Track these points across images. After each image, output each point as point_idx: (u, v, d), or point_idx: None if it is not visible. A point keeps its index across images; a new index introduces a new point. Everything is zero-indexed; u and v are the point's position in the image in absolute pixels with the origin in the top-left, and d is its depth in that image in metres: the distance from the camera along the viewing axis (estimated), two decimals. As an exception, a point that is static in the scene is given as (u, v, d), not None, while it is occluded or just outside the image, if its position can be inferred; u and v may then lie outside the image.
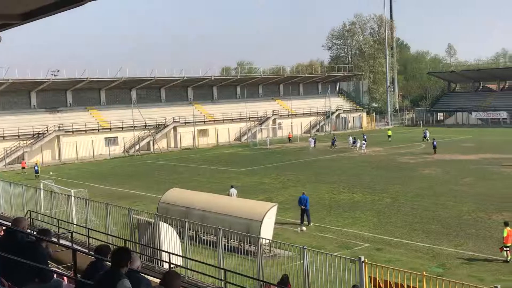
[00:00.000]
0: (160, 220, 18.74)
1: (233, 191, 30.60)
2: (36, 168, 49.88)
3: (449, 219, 26.52)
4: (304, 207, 26.75)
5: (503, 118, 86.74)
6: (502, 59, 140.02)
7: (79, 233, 19.16)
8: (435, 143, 54.41)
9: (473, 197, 31.48)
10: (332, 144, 62.50)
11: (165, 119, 72.59)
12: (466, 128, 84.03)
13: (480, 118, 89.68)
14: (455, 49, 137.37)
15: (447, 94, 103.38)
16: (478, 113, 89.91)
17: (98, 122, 68.87)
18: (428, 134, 64.90)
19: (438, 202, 30.54)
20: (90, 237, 17.75)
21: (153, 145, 69.68)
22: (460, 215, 27.32)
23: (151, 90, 77.92)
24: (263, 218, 21.71)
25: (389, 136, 68.99)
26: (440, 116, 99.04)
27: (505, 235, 20.13)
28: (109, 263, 6.42)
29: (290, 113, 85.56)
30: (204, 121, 76.92)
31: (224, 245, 16.67)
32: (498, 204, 29.22)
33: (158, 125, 71.97)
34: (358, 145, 58.85)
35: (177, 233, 18.74)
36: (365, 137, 61.62)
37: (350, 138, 64.38)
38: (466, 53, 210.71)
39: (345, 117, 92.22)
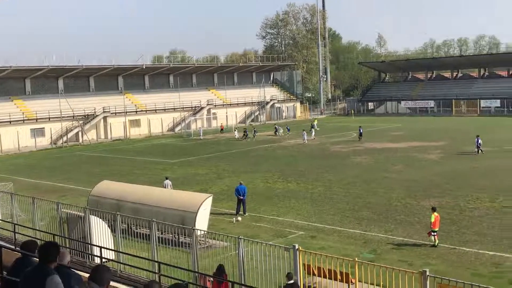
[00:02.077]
0: (90, 214, 18.34)
1: (168, 182, 30.33)
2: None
3: (380, 206, 27.43)
4: (241, 197, 26.89)
5: (431, 107, 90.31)
6: (430, 50, 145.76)
7: (5, 229, 18.44)
8: (361, 131, 56.33)
9: (402, 184, 32.69)
10: (253, 134, 63.39)
11: (95, 109, 70.79)
12: (395, 117, 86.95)
13: (409, 107, 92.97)
14: (385, 40, 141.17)
15: (377, 83, 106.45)
16: (407, 102, 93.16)
17: (23, 113, 66.22)
18: (316, 124, 66.63)
19: (369, 190, 31.50)
20: (17, 232, 17.11)
21: (82, 136, 67.89)
22: (390, 201, 28.31)
23: (80, 79, 75.69)
24: (198, 209, 21.65)
25: (315, 125, 69.93)
26: (370, 105, 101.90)
27: (432, 220, 21.01)
28: (37, 259, 6.23)
29: (224, 103, 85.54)
30: (136, 111, 75.66)
31: (158, 237, 16.53)
32: (426, 191, 30.49)
33: (87, 115, 70.11)
34: (281, 131, 64.23)
35: (109, 227, 18.41)
36: (313, 127, 64.31)
37: (280, 128, 66.82)
38: (395, 43, 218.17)
39: (279, 107, 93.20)
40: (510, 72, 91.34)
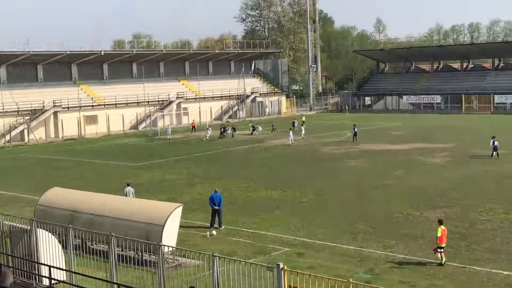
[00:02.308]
0: (38, 227, 18.16)
1: (129, 190, 30.16)
2: None
3: (378, 218, 27.56)
4: (216, 207, 26.82)
5: (437, 103, 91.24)
6: (436, 36, 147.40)
7: None
8: (355, 130, 56.81)
9: (404, 192, 32.89)
10: (222, 132, 63.66)
11: (43, 103, 70.16)
12: (396, 114, 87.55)
13: (411, 103, 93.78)
14: (384, 24, 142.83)
15: (375, 75, 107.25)
16: (410, 97, 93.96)
17: (-43, 107, 65.44)
18: (296, 123, 67.31)
19: (366, 199, 31.63)
20: None
21: (28, 135, 67.19)
22: (390, 212, 28.46)
23: (26, 68, 74.92)
24: (165, 222, 21.55)
25: (303, 122, 70.57)
26: (367, 100, 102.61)
27: (439, 234, 21.12)
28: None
29: (197, 97, 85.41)
30: (93, 106, 75.13)
31: (118, 255, 16.41)
32: (431, 200, 30.73)
33: (34, 110, 69.44)
34: (260, 130, 65.82)
35: (59, 242, 18.23)
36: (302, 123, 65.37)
37: (258, 126, 67.64)
38: (396, 29, 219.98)
39: (261, 101, 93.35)
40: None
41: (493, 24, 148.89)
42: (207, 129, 65.11)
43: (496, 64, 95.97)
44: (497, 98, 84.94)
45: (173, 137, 66.32)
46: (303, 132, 60.21)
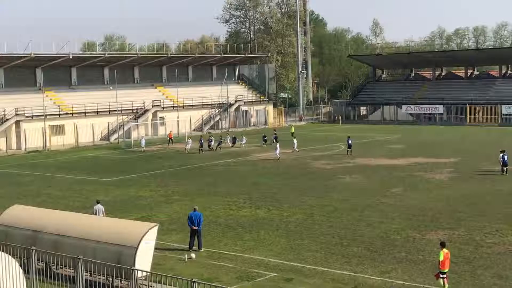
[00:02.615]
0: (-4, 249, 17.96)
1: (99, 207, 30.00)
2: None
3: (375, 240, 27.57)
4: (196, 227, 26.73)
5: (439, 114, 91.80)
6: (438, 40, 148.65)
7: None
8: (350, 142, 57.14)
9: (403, 212, 32.95)
10: (218, 145, 63.96)
11: (4, 111, 69.81)
12: (394, 126, 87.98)
13: (411, 113, 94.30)
14: (381, 27, 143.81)
15: (371, 82, 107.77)
16: (409, 107, 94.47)
17: None
18: (267, 138, 67.57)
19: (361, 219, 31.67)
20: None
21: (-12, 146, 66.78)
22: (387, 234, 28.49)
23: (-15, 72, 74.66)
24: (138, 244, 21.42)
25: (293, 133, 71.08)
26: (363, 110, 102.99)
27: (441, 258, 21.14)
28: None
29: (175, 105, 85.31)
30: (59, 114, 74.81)
31: (86, 280, 16.27)
32: (433, 220, 30.81)
33: (-5, 119, 69.11)
34: (244, 141, 65.59)
35: (21, 266, 18.05)
36: (273, 136, 65.43)
37: (244, 138, 67.00)
38: (395, 32, 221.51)
39: (246, 110, 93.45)
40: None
41: (500, 28, 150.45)
42: (187, 140, 64.88)
43: (503, 72, 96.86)
44: (505, 109, 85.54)
45: (149, 149, 66.10)
46: (295, 144, 60.12)
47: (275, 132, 69.47)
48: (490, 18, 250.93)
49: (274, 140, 63.59)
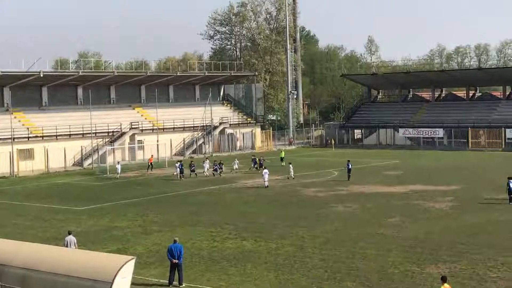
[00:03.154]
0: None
1: (71, 239, 29.84)
2: None
3: (370, 274, 27.52)
4: (176, 261, 26.61)
5: (439, 138, 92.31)
6: (438, 59, 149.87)
7: None
8: (349, 166, 57.91)
9: (401, 244, 32.94)
10: (212, 171, 64.15)
11: (-31, 134, 69.55)
12: (391, 150, 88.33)
13: (409, 137, 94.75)
14: (377, 44, 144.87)
15: (366, 104, 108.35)
16: (407, 130, 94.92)
17: None
18: (257, 161, 67.72)
19: (356, 251, 31.62)
20: None
21: (-50, 172, 66.42)
22: (384, 268, 28.45)
23: None
24: (114, 278, 21.28)
25: (282, 159, 71.33)
26: (357, 133, 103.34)
27: (442, 294, 21.18)
28: None
29: (155, 127, 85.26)
30: (28, 137, 74.59)
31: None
32: (433, 253, 30.80)
33: (-42, 142, 68.83)
34: (236, 166, 66.47)
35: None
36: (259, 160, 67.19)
37: (207, 163, 66.48)
38: (391, 50, 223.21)
39: (232, 133, 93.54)
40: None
41: (503, 46, 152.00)
42: (177, 163, 64.47)
43: (508, 93, 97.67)
44: (509, 133, 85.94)
45: (126, 175, 65.93)
46: (291, 171, 59.73)
47: (259, 158, 69.58)
48: (493, 35, 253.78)
49: (256, 165, 64.46)
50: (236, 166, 67.02)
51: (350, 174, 57.81)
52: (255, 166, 66.61)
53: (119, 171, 65.76)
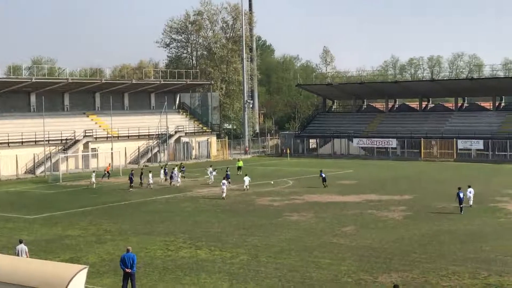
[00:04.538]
0: None
1: (22, 248, 29.42)
2: None
3: (324, 283, 27.63)
4: (129, 270, 26.38)
5: (392, 148, 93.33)
6: (392, 70, 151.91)
7: None
8: (323, 175, 59.90)
9: (354, 253, 33.17)
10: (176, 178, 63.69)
11: None
12: (345, 160, 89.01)
13: (363, 147, 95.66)
14: (332, 55, 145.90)
15: (321, 114, 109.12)
16: (361, 140, 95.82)
17: None
18: (176, 173, 65.27)
19: (310, 260, 31.74)
20: None
21: None
22: (337, 277, 28.59)
23: None
24: (66, 288, 21.01)
25: (239, 168, 71.49)
26: (312, 143, 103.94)
27: (394, 303, 21.34)
28: None
29: (109, 135, 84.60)
30: (-21, 144, 73.44)
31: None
32: (386, 262, 31.08)
33: None
34: (178, 177, 63.31)
35: None
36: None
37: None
38: (346, 60, 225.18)
39: (187, 142, 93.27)
40: (496, 103, 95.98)
41: (456, 58, 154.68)
42: (162, 172, 65.19)
43: (459, 104, 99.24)
44: (461, 144, 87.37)
45: (79, 183, 65.31)
46: (247, 182, 58.72)
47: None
48: (445, 48, 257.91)
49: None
50: (212, 176, 64.39)
51: (326, 182, 59.46)
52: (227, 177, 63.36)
53: (94, 180, 63.86)
